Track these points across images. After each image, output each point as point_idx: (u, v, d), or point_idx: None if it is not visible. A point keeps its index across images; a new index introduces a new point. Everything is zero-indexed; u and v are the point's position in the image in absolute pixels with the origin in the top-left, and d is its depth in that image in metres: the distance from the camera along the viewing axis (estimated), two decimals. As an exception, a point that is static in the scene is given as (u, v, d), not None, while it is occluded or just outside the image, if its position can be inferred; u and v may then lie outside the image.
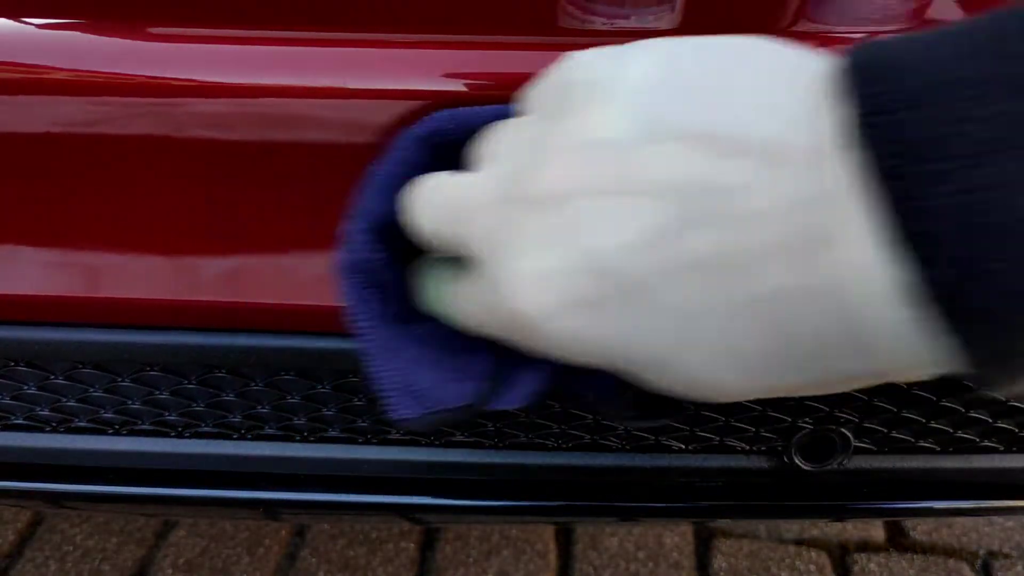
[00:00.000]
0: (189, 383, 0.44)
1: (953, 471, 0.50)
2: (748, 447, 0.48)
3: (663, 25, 0.34)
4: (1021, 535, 1.01)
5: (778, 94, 0.21)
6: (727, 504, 0.50)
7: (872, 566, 0.96)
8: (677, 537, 0.98)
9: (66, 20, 0.34)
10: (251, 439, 0.48)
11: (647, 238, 0.22)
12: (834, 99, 0.20)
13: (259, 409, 0.46)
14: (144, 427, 0.47)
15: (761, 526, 1.00)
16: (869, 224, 0.19)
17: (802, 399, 0.45)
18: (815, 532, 1.00)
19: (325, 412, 0.46)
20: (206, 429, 0.47)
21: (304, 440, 0.48)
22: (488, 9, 0.34)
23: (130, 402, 0.46)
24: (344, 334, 0.41)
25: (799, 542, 0.99)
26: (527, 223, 0.24)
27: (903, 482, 0.50)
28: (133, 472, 0.49)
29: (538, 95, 0.27)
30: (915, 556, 0.98)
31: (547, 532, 0.98)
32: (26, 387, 0.45)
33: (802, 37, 0.34)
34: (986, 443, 0.49)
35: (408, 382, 0.30)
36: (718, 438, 0.48)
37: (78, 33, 0.34)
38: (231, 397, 0.45)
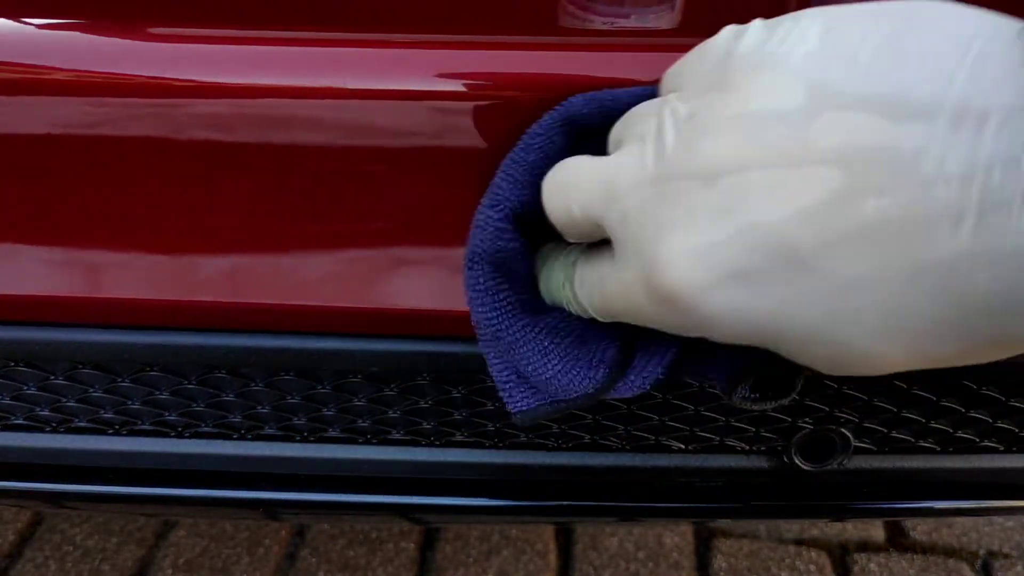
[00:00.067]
0: (189, 383, 0.44)
1: (953, 471, 0.50)
2: (748, 447, 0.48)
3: (663, 24, 0.34)
4: (1021, 535, 1.01)
5: (957, 54, 0.21)
6: (727, 504, 0.50)
7: (872, 566, 0.96)
8: (677, 537, 0.98)
9: (66, 20, 0.34)
10: (251, 439, 0.48)
11: (817, 208, 0.21)
12: None
13: (259, 409, 0.46)
14: (144, 427, 0.47)
15: (761, 526, 1.00)
16: None
17: (802, 399, 0.45)
18: (815, 532, 1.00)
19: (325, 412, 0.46)
20: (206, 429, 0.47)
21: (304, 440, 0.48)
22: (488, 9, 0.34)
23: (130, 402, 0.46)
24: (344, 334, 0.41)
25: (799, 542, 0.98)
26: (687, 198, 0.23)
27: (903, 482, 0.50)
28: (133, 472, 0.49)
29: (687, 72, 0.27)
30: (915, 556, 0.98)
31: (547, 532, 0.98)
32: (26, 387, 0.45)
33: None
34: (986, 443, 0.49)
35: (528, 373, 0.29)
36: (718, 438, 0.48)
37: (78, 33, 0.34)
38: (231, 397, 0.45)
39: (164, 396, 0.45)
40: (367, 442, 0.48)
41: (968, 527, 1.01)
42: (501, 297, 0.30)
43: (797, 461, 0.48)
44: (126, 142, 0.35)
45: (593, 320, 0.29)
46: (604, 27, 0.34)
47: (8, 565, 0.93)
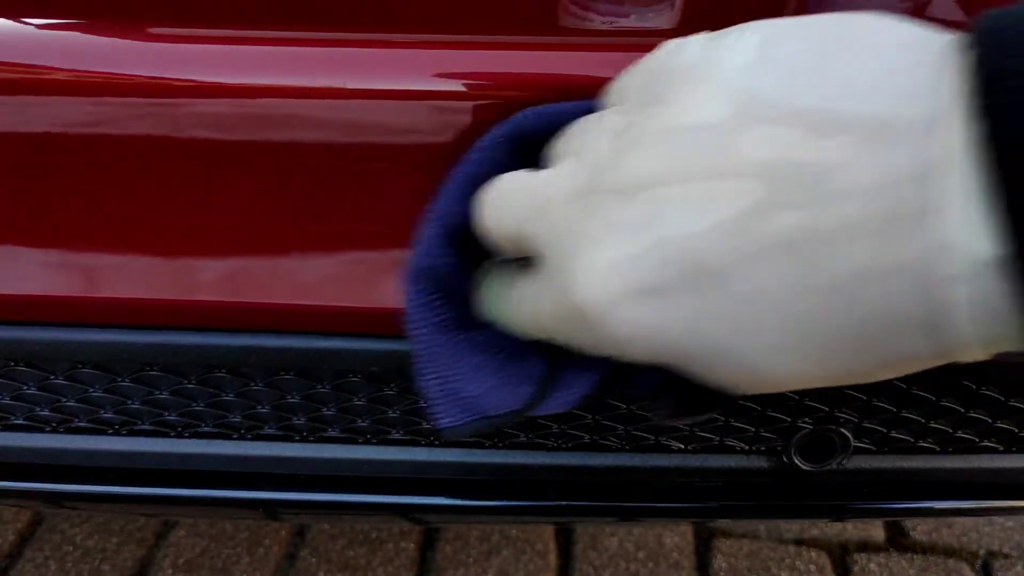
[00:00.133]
0: (189, 383, 0.44)
1: (953, 471, 0.50)
2: (748, 447, 0.48)
3: (663, 24, 0.34)
4: (1021, 535, 1.01)
5: (882, 68, 0.21)
6: (727, 504, 0.50)
7: (872, 566, 0.96)
8: (677, 537, 0.98)
9: (66, 20, 0.34)
10: (251, 439, 0.48)
11: (730, 222, 0.21)
12: (955, 68, 0.20)
13: (259, 409, 0.46)
14: (144, 427, 0.47)
15: (761, 526, 1.00)
16: (973, 196, 0.19)
17: (802, 399, 0.45)
18: (815, 532, 1.00)
19: (325, 412, 0.46)
20: (206, 429, 0.47)
21: (304, 440, 0.48)
22: (488, 9, 0.34)
23: (130, 402, 0.46)
24: (343, 334, 0.41)
25: (799, 542, 0.98)
26: (605, 213, 0.23)
27: (903, 482, 0.50)
28: (133, 472, 0.49)
29: (627, 85, 0.27)
30: (915, 556, 0.98)
31: (547, 532, 0.98)
32: (26, 387, 0.45)
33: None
34: (986, 443, 0.49)
35: (456, 389, 0.29)
36: (718, 438, 0.48)
37: (78, 33, 0.34)
38: (231, 397, 0.45)
39: (164, 396, 0.45)
40: (367, 442, 0.48)
41: (968, 527, 1.01)
42: (438, 313, 0.30)
43: (797, 461, 0.48)
44: (126, 142, 0.35)
45: (525, 337, 0.30)
46: (604, 27, 0.34)
47: (8, 565, 0.93)
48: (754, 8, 0.34)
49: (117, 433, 0.48)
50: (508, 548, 0.96)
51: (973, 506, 0.52)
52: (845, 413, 0.46)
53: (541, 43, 0.34)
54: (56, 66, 0.34)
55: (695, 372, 0.24)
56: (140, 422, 0.47)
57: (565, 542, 0.97)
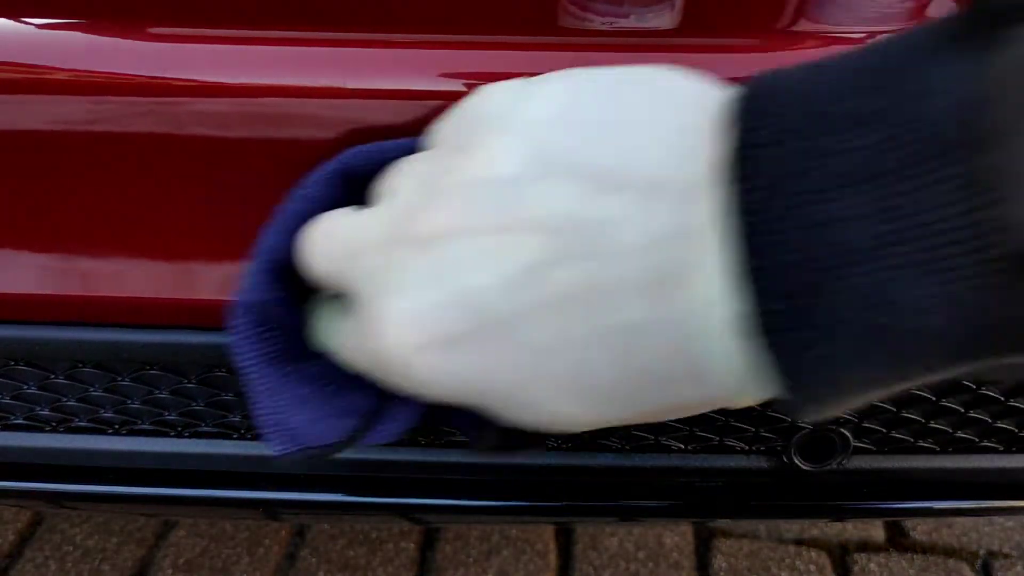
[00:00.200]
0: (189, 382, 0.44)
1: (953, 471, 0.50)
2: (748, 447, 0.48)
3: (663, 24, 0.34)
4: (1021, 535, 1.01)
5: (666, 128, 0.22)
6: (727, 504, 0.50)
7: (872, 566, 0.96)
8: (677, 537, 0.98)
9: (66, 20, 0.34)
10: (251, 439, 0.48)
11: (517, 274, 0.22)
12: (716, 133, 0.21)
13: (259, 409, 0.46)
14: (144, 427, 0.47)
15: (761, 526, 1.00)
16: (722, 259, 0.20)
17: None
18: (815, 532, 1.00)
19: (325, 412, 0.46)
20: (206, 429, 0.47)
21: (304, 440, 0.48)
22: (488, 9, 0.34)
23: (130, 402, 0.46)
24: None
25: (799, 542, 0.99)
26: (410, 263, 0.24)
27: (903, 482, 0.50)
28: (133, 472, 0.49)
29: (442, 130, 0.28)
30: (915, 556, 0.98)
31: (547, 532, 0.98)
32: (26, 387, 0.45)
33: (802, 37, 0.34)
34: (986, 443, 0.49)
35: (282, 421, 0.30)
36: (718, 438, 0.48)
37: (78, 33, 0.34)
38: (231, 397, 0.45)
39: (164, 395, 0.45)
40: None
41: (968, 527, 1.01)
42: (263, 346, 0.30)
43: (797, 461, 0.48)
44: (126, 142, 0.35)
45: (350, 369, 0.30)
46: (604, 27, 0.34)
47: (8, 565, 0.93)
48: (755, 8, 0.34)
49: (117, 433, 0.48)
50: (508, 548, 0.96)
51: (973, 506, 0.52)
52: (845, 413, 0.46)
53: (541, 43, 0.34)
54: (56, 66, 0.34)
55: (493, 412, 0.25)
56: (140, 422, 0.47)
57: (565, 542, 0.98)
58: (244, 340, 0.30)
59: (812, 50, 0.34)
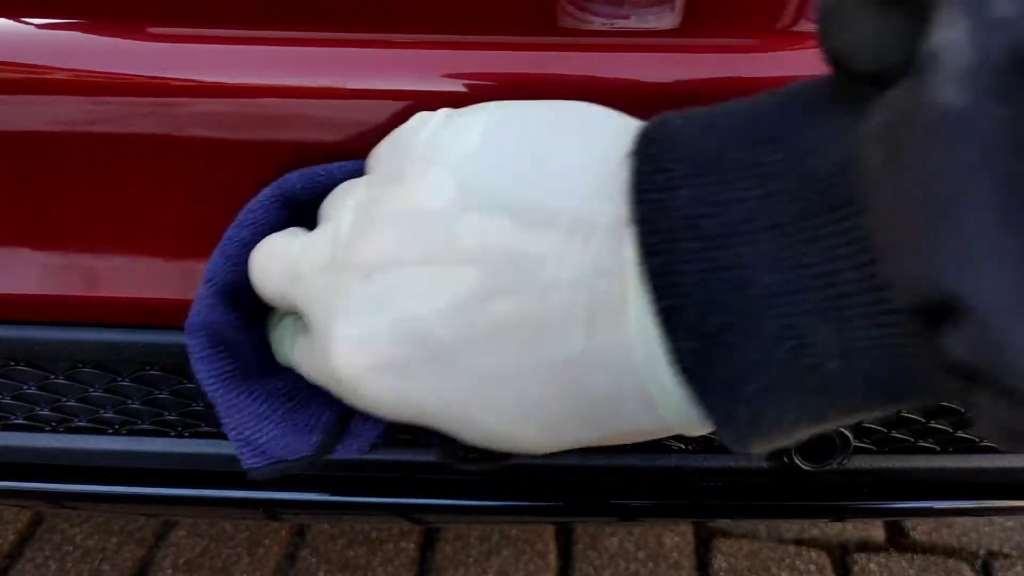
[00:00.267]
0: (189, 382, 0.44)
1: (953, 471, 0.50)
2: (748, 447, 0.48)
3: (663, 25, 0.34)
4: (1021, 535, 1.01)
5: (590, 165, 0.23)
6: (727, 504, 0.50)
7: (872, 566, 0.96)
8: (677, 537, 0.98)
9: (66, 20, 0.34)
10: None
11: (455, 305, 0.23)
12: (625, 177, 0.21)
13: (259, 409, 0.46)
14: (144, 427, 0.47)
15: (761, 526, 1.00)
16: (641, 297, 0.20)
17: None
18: (815, 532, 1.00)
19: (325, 412, 0.46)
20: (206, 429, 0.47)
21: (304, 440, 0.48)
22: (488, 9, 0.34)
23: (130, 402, 0.46)
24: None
25: (799, 542, 0.98)
26: (350, 289, 0.24)
27: (903, 482, 0.50)
28: (133, 472, 0.49)
29: (379, 155, 0.28)
30: (915, 556, 0.98)
31: (547, 532, 0.98)
32: (26, 387, 0.45)
33: (802, 37, 0.34)
34: (986, 443, 0.49)
35: (249, 437, 0.31)
36: (718, 438, 0.48)
37: (78, 33, 0.34)
38: (231, 397, 0.45)
39: (164, 396, 0.45)
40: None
41: (968, 527, 1.01)
42: (218, 366, 0.31)
43: (797, 461, 0.48)
44: (126, 142, 0.35)
45: (315, 385, 0.31)
46: (604, 27, 0.34)
47: (8, 565, 0.93)
48: (755, 9, 0.34)
49: (117, 433, 0.48)
50: (508, 548, 0.96)
51: (973, 506, 0.52)
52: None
53: (541, 43, 0.34)
54: (56, 66, 0.34)
55: (450, 433, 0.26)
56: (140, 422, 0.47)
57: (565, 542, 0.98)
58: (200, 360, 0.31)
59: (812, 50, 0.34)
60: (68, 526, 0.98)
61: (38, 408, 0.46)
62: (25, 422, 0.48)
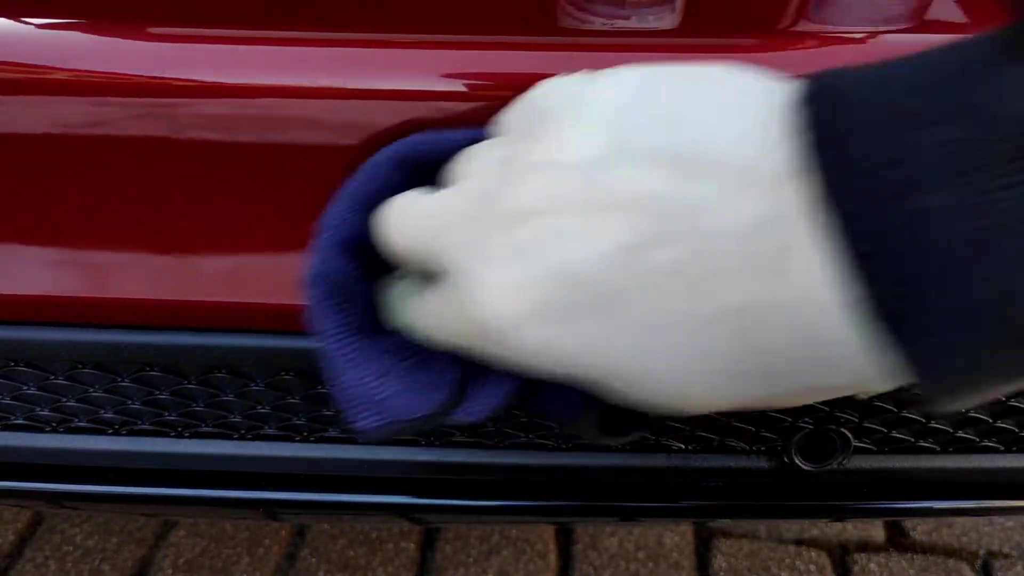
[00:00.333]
0: (189, 383, 0.44)
1: (953, 471, 0.50)
2: (748, 447, 0.48)
3: (663, 25, 0.34)
4: (1021, 535, 1.01)
5: (743, 120, 0.22)
6: (727, 504, 0.50)
7: (872, 566, 0.96)
8: (677, 537, 0.98)
9: (66, 20, 0.34)
10: (251, 439, 0.48)
11: (613, 252, 0.22)
12: (793, 126, 0.21)
13: (259, 409, 0.46)
14: (144, 427, 0.47)
15: (761, 526, 1.00)
16: (821, 245, 0.20)
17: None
18: (815, 532, 1.00)
19: (324, 412, 0.46)
20: (206, 429, 0.47)
21: (304, 440, 0.48)
22: (488, 9, 0.34)
23: (130, 402, 0.46)
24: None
25: (799, 542, 0.99)
26: (500, 237, 0.24)
27: (903, 482, 0.50)
28: (133, 472, 0.49)
29: (511, 118, 0.28)
30: (915, 556, 0.98)
31: (547, 532, 0.98)
32: (26, 387, 0.45)
33: (802, 37, 0.34)
34: (986, 443, 0.49)
35: (369, 393, 0.30)
36: (718, 438, 0.48)
37: (78, 33, 0.34)
38: (231, 397, 0.45)
39: (164, 396, 0.45)
40: (367, 442, 0.48)
41: (968, 527, 1.01)
42: (338, 318, 0.30)
43: (797, 461, 0.48)
44: (125, 142, 0.35)
45: (432, 345, 0.30)
46: (604, 27, 0.34)
47: (8, 565, 0.93)
48: (755, 9, 0.34)
49: (117, 433, 0.48)
50: (508, 548, 0.96)
51: (973, 506, 0.52)
52: (845, 413, 0.46)
53: (541, 43, 0.34)
54: (56, 66, 0.34)
55: (608, 391, 0.25)
56: (140, 422, 0.47)
57: (565, 542, 0.98)
58: (319, 312, 0.30)
59: (812, 50, 0.34)
60: (68, 526, 0.98)
61: (38, 408, 0.46)
62: (25, 422, 0.48)
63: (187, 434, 0.48)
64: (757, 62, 0.34)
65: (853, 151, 0.20)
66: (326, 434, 0.48)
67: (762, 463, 0.49)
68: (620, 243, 0.22)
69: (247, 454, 0.48)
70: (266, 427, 0.47)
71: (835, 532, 1.00)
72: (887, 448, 0.49)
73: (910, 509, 0.52)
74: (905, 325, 0.20)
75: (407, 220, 0.28)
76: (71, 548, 0.96)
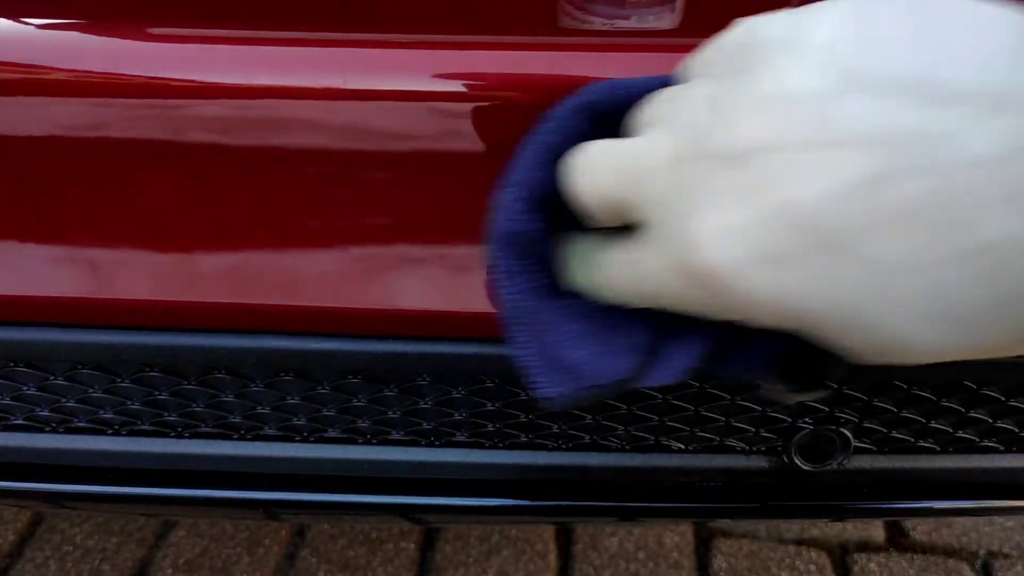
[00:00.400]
0: (189, 384, 0.44)
1: (953, 471, 0.50)
2: (748, 447, 0.48)
3: (663, 25, 0.34)
4: (1021, 535, 1.01)
5: (984, 43, 0.21)
6: (727, 504, 0.50)
7: (872, 566, 0.96)
8: (677, 537, 0.98)
9: (66, 20, 0.34)
10: (251, 439, 0.48)
11: (851, 190, 0.21)
12: None
13: (259, 409, 0.46)
14: (144, 427, 0.47)
15: (761, 526, 1.00)
16: None
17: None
18: (815, 532, 1.00)
19: (325, 412, 0.46)
20: (206, 429, 0.47)
21: (304, 440, 0.48)
22: (488, 9, 0.34)
23: (130, 403, 0.46)
24: (344, 335, 0.41)
25: (799, 542, 0.98)
26: (718, 179, 0.23)
27: (903, 482, 0.50)
28: (133, 472, 0.49)
29: (710, 58, 0.27)
30: (915, 556, 0.98)
31: (547, 532, 0.98)
32: (26, 387, 0.45)
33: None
34: (986, 443, 0.49)
35: (559, 356, 0.29)
36: (718, 438, 0.48)
37: (78, 33, 0.34)
38: (230, 398, 0.45)
39: (164, 396, 0.45)
40: (367, 442, 0.48)
41: (968, 527, 1.01)
42: (528, 279, 0.29)
43: (797, 461, 0.48)
44: (126, 142, 0.35)
45: (622, 306, 0.29)
46: (604, 27, 0.34)
47: (8, 565, 0.93)
48: (755, 9, 0.34)
49: (117, 433, 0.48)
50: (508, 548, 0.96)
51: (973, 506, 0.52)
52: (846, 413, 0.46)
53: (541, 43, 0.34)
54: (56, 66, 0.34)
55: (827, 339, 0.24)
56: (140, 422, 0.47)
57: (565, 542, 0.97)
58: (510, 272, 0.29)
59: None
60: (68, 526, 0.98)
61: (38, 408, 0.46)
62: (25, 422, 0.48)
63: (187, 434, 0.48)
64: (757, 62, 0.34)
65: None
66: (326, 434, 0.48)
67: (762, 463, 0.49)
68: (853, 180, 0.21)
69: (247, 454, 0.48)
70: (266, 427, 0.47)
71: (835, 532, 1.00)
72: (887, 448, 0.49)
73: (910, 509, 0.52)
74: None
75: (602, 169, 0.27)
76: (71, 548, 0.96)
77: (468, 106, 0.34)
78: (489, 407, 0.45)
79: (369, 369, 0.43)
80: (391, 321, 0.40)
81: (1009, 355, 0.23)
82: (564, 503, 0.50)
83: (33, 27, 0.34)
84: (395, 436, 0.48)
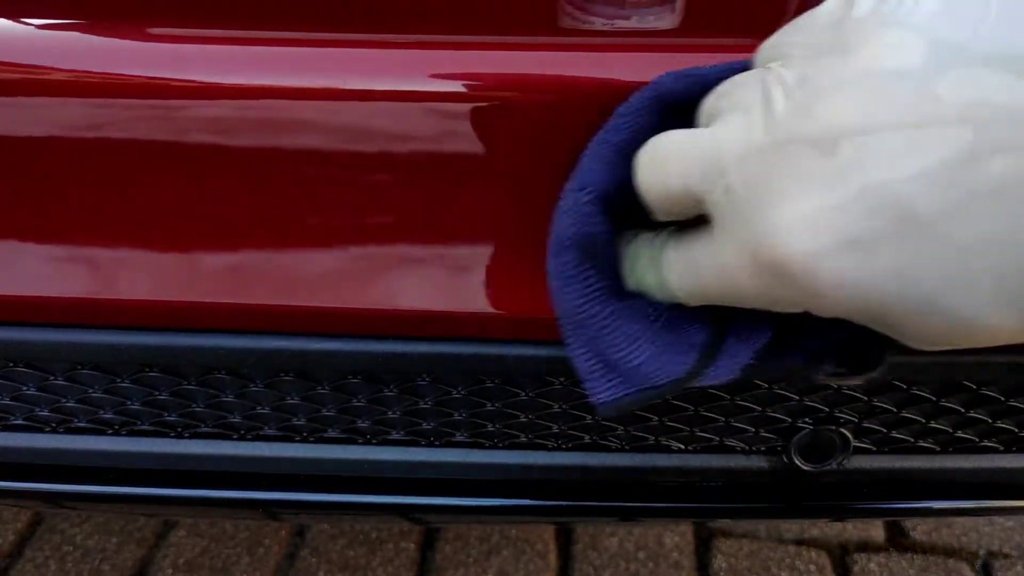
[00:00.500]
0: (188, 384, 0.44)
1: (953, 471, 0.50)
2: (748, 447, 0.48)
3: (663, 25, 0.34)
4: (1021, 535, 1.01)
5: None
6: (727, 504, 0.50)
7: (872, 566, 0.96)
8: (677, 537, 0.98)
9: (66, 20, 0.34)
10: (251, 439, 0.48)
11: (941, 168, 0.21)
12: None
13: (258, 409, 0.46)
14: (144, 427, 0.47)
15: (761, 526, 1.00)
16: None
17: (802, 399, 0.45)
18: (815, 532, 1.00)
19: (325, 412, 0.46)
20: (206, 429, 0.47)
21: (304, 440, 0.48)
22: (488, 9, 0.34)
23: (129, 403, 0.46)
24: (344, 335, 0.41)
25: (799, 542, 0.98)
26: (800, 165, 0.23)
27: (903, 482, 0.50)
28: (133, 472, 0.49)
29: (791, 40, 0.26)
30: (915, 556, 0.98)
31: (547, 532, 0.98)
32: (26, 387, 0.45)
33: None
34: (986, 443, 0.49)
35: (614, 361, 0.28)
36: (718, 438, 0.48)
37: (78, 33, 0.34)
38: (230, 398, 0.45)
39: (164, 397, 0.45)
40: (367, 442, 0.48)
41: (968, 527, 1.01)
42: (589, 283, 0.29)
43: (797, 461, 0.48)
44: (126, 143, 0.35)
45: (680, 305, 0.29)
46: (604, 27, 0.34)
47: (8, 565, 0.93)
48: (755, 9, 0.34)
49: (117, 433, 0.48)
50: (508, 548, 0.96)
51: (973, 506, 0.52)
52: (845, 413, 0.46)
53: (541, 43, 0.34)
54: (56, 66, 0.34)
55: (892, 325, 0.24)
56: (140, 422, 0.47)
57: (565, 542, 0.97)
58: (569, 278, 0.29)
59: None
60: (68, 526, 0.98)
61: (38, 409, 0.46)
62: (25, 422, 0.48)
63: (187, 434, 0.48)
64: (757, 62, 0.34)
65: None
66: (326, 434, 0.48)
67: (762, 463, 0.49)
68: (943, 159, 0.21)
69: (247, 454, 0.48)
70: (266, 427, 0.47)
71: (835, 532, 1.00)
72: (887, 448, 0.49)
73: (910, 509, 0.52)
74: None
75: (673, 162, 0.26)
76: (71, 548, 0.95)
77: (468, 106, 0.34)
78: (489, 407, 0.45)
79: (369, 369, 0.43)
80: (391, 321, 0.40)
81: None
82: (564, 503, 0.50)
83: (33, 27, 0.34)
84: (395, 436, 0.48)
